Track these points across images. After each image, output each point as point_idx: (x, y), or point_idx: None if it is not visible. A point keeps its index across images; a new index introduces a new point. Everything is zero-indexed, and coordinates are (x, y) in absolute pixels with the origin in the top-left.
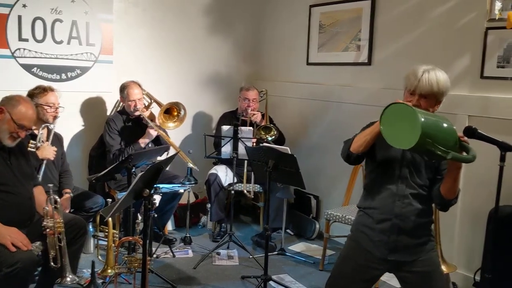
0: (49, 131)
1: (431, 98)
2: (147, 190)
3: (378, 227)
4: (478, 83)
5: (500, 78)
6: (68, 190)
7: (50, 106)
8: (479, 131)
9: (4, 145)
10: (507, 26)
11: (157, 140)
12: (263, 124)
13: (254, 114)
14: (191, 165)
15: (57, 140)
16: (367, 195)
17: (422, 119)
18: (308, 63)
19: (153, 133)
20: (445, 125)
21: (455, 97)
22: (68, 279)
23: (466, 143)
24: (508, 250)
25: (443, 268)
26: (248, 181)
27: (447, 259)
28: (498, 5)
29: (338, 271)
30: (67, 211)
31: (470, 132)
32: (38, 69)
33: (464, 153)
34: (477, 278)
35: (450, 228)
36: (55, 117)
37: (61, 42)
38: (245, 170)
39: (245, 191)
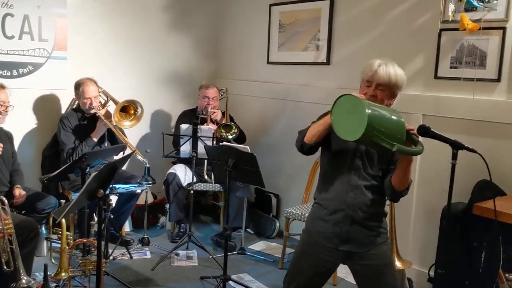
0: None
1: (387, 89)
2: (101, 191)
3: (331, 218)
4: (432, 83)
5: (453, 79)
6: (19, 186)
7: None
8: (432, 129)
9: None
10: (460, 28)
11: (113, 139)
12: (223, 122)
13: (214, 112)
14: (139, 157)
15: (6, 138)
16: (321, 186)
17: (369, 111)
18: (268, 62)
19: (103, 126)
20: (393, 117)
21: (410, 97)
22: (24, 281)
23: (415, 136)
24: (459, 246)
25: (399, 264)
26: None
27: (402, 255)
28: (451, 7)
29: (295, 267)
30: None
31: (424, 130)
32: None
33: (413, 146)
34: (432, 273)
35: (405, 224)
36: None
37: (12, 37)
38: (205, 169)
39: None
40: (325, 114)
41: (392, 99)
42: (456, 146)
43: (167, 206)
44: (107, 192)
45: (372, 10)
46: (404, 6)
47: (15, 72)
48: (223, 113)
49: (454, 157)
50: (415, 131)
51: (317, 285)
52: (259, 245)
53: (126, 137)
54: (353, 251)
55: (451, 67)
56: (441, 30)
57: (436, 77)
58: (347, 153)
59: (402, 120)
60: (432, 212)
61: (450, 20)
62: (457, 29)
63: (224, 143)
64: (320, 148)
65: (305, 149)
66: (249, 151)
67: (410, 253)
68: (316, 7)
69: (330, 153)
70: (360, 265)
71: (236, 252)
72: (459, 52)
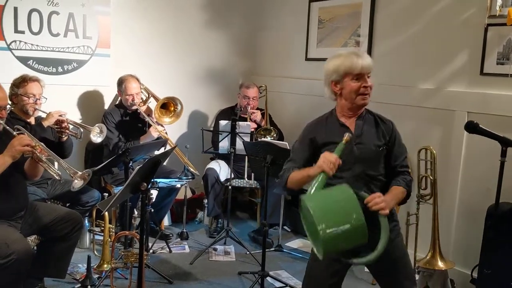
0: None
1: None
2: (145, 184)
3: None
4: (478, 79)
5: (500, 75)
6: None
7: (29, 97)
8: (481, 126)
9: None
10: (508, 23)
11: None
12: (263, 123)
13: (253, 113)
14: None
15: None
16: None
17: (324, 237)
18: (306, 59)
19: (155, 134)
20: (353, 217)
21: (454, 93)
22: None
23: (383, 216)
24: (506, 246)
25: (441, 264)
26: (248, 177)
27: (444, 255)
28: (498, 1)
29: (312, 270)
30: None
31: (472, 127)
32: (34, 62)
33: (382, 231)
34: (475, 275)
35: (448, 225)
36: (35, 109)
37: (57, 34)
38: (246, 167)
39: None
40: (306, 130)
41: None
42: (505, 143)
43: (205, 201)
44: (149, 186)
45: (415, 5)
46: (448, 0)
47: (60, 69)
48: (262, 114)
49: (503, 154)
50: (384, 212)
51: (336, 286)
52: (296, 243)
53: (166, 133)
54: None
55: (497, 63)
56: (488, 25)
57: (482, 73)
58: (344, 162)
59: (357, 205)
60: (476, 212)
61: (497, 15)
62: (504, 24)
63: (263, 139)
64: None
65: (290, 194)
66: (288, 148)
67: (452, 254)
68: (356, 2)
69: None
70: (376, 261)
71: (273, 248)
72: (506, 47)
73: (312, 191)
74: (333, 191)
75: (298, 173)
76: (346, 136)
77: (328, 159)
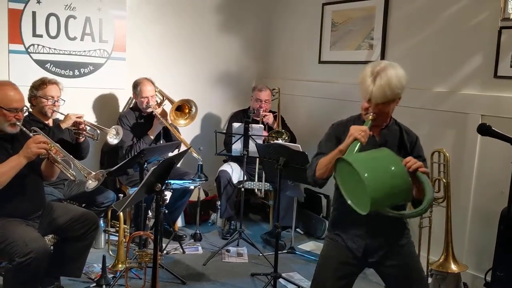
0: None
1: (388, 101)
2: (159, 185)
3: (353, 231)
4: (492, 82)
5: None
6: None
7: (48, 99)
8: (493, 128)
9: (5, 135)
10: None
11: (168, 137)
12: (275, 126)
13: (266, 115)
14: (194, 154)
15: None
16: (338, 198)
17: (370, 189)
18: (320, 62)
19: (160, 124)
20: (392, 168)
21: (468, 96)
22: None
23: (423, 173)
24: None
25: (454, 267)
26: (260, 179)
27: (457, 258)
28: (511, 4)
29: (321, 272)
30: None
31: (484, 129)
32: (52, 65)
33: (424, 185)
34: (488, 278)
35: (461, 228)
36: (53, 111)
37: (74, 38)
38: (257, 168)
39: (256, 190)
40: (330, 136)
41: (397, 102)
42: None
43: (218, 203)
44: (163, 187)
45: (428, 8)
46: (461, 3)
47: (76, 72)
48: (275, 117)
49: None
50: (423, 169)
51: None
52: (308, 245)
53: (181, 135)
54: (378, 260)
55: (511, 66)
56: (501, 28)
57: (495, 76)
58: None
59: (403, 167)
60: (489, 215)
61: (510, 17)
62: None
63: (275, 141)
64: None
65: (319, 184)
66: (301, 150)
67: (465, 257)
68: (370, 6)
69: None
70: (385, 267)
71: (285, 251)
72: None
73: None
74: (370, 151)
75: (328, 155)
76: (371, 115)
77: (359, 128)
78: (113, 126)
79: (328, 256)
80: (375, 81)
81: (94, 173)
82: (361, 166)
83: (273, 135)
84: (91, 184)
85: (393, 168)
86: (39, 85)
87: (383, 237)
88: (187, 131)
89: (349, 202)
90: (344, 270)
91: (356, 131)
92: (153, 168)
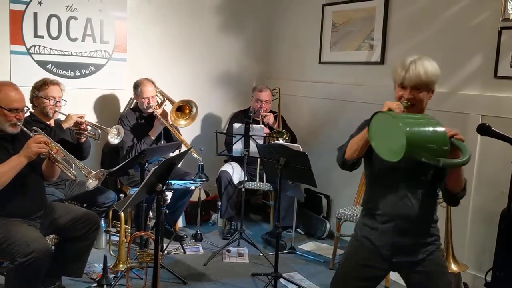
0: None
1: (423, 88)
2: (160, 185)
3: (381, 227)
4: (492, 82)
5: None
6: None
7: (49, 100)
8: (493, 128)
9: (6, 135)
10: None
11: (169, 137)
12: (275, 126)
13: (266, 116)
14: (194, 154)
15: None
16: (368, 196)
17: (407, 129)
18: (320, 62)
19: (161, 125)
20: (431, 129)
21: (468, 97)
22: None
23: (459, 140)
24: None
25: (454, 267)
26: (261, 180)
27: (458, 258)
28: (511, 5)
29: (343, 270)
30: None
31: (484, 129)
32: (53, 66)
33: (460, 154)
34: (488, 278)
35: (461, 228)
36: (55, 111)
37: (75, 39)
38: (258, 168)
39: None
40: (363, 126)
41: (430, 94)
42: None
43: (219, 203)
44: (164, 187)
45: (428, 8)
46: (462, 4)
47: (77, 73)
48: (275, 117)
49: None
50: (459, 136)
51: None
52: (309, 245)
53: (182, 136)
54: (405, 261)
55: (511, 66)
56: (501, 28)
57: (495, 76)
58: (393, 162)
59: (443, 129)
60: (490, 215)
61: (510, 18)
62: None
63: (276, 141)
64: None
65: (348, 165)
66: (301, 150)
67: (466, 257)
68: (370, 6)
69: (373, 164)
70: (411, 272)
71: (286, 251)
72: None
73: None
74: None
75: (355, 138)
76: (405, 102)
77: (393, 102)
78: (114, 126)
79: (351, 256)
80: (410, 66)
81: (95, 172)
82: (398, 115)
83: (274, 135)
84: (92, 183)
85: (431, 123)
86: (41, 86)
87: (411, 237)
88: (188, 131)
89: (378, 153)
90: (364, 272)
91: (391, 102)
92: (154, 168)
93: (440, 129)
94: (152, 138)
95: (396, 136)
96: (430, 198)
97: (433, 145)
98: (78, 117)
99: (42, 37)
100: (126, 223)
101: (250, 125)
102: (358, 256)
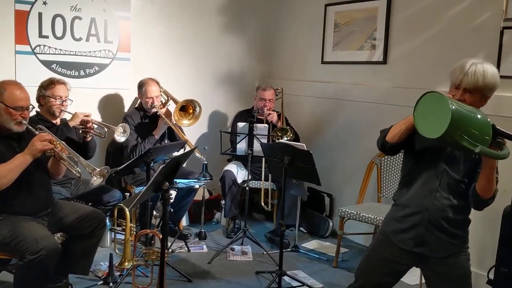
0: None
1: (477, 92)
2: (167, 183)
3: (408, 220)
4: None
5: None
6: None
7: (56, 99)
8: (497, 127)
9: (11, 133)
10: None
11: (173, 137)
12: (279, 124)
13: (270, 114)
14: (197, 154)
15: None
16: (402, 188)
17: (453, 107)
18: (322, 62)
19: (164, 124)
20: (479, 116)
21: None
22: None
23: (501, 140)
24: None
25: None
26: (266, 179)
27: None
28: None
29: (365, 263)
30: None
31: None
32: (58, 66)
33: (499, 151)
34: (491, 276)
35: None
36: (61, 111)
37: (80, 39)
38: (263, 167)
39: (262, 204)
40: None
41: (483, 101)
42: None
43: (223, 202)
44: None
45: (431, 8)
46: (464, 4)
47: (82, 72)
48: (278, 115)
49: None
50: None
51: (388, 285)
52: (312, 244)
53: (185, 135)
54: (427, 254)
55: None
56: (504, 28)
57: None
58: (431, 155)
59: (489, 120)
60: (492, 214)
61: None
62: None
63: (280, 140)
64: (403, 151)
65: (387, 148)
66: (305, 149)
67: None
68: (372, 6)
69: (413, 155)
70: (433, 272)
71: (289, 249)
72: None
73: None
74: None
75: (399, 121)
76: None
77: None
78: (120, 124)
79: (374, 249)
80: (471, 68)
81: (99, 170)
82: (447, 96)
83: (278, 132)
84: (96, 180)
85: (479, 112)
86: (47, 85)
87: (434, 234)
88: (192, 131)
89: (419, 130)
90: (390, 267)
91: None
92: (161, 166)
93: (486, 119)
94: (156, 137)
95: (442, 113)
96: (463, 198)
97: (475, 131)
98: (85, 116)
99: (47, 37)
100: (131, 222)
101: (254, 124)
102: (382, 249)
